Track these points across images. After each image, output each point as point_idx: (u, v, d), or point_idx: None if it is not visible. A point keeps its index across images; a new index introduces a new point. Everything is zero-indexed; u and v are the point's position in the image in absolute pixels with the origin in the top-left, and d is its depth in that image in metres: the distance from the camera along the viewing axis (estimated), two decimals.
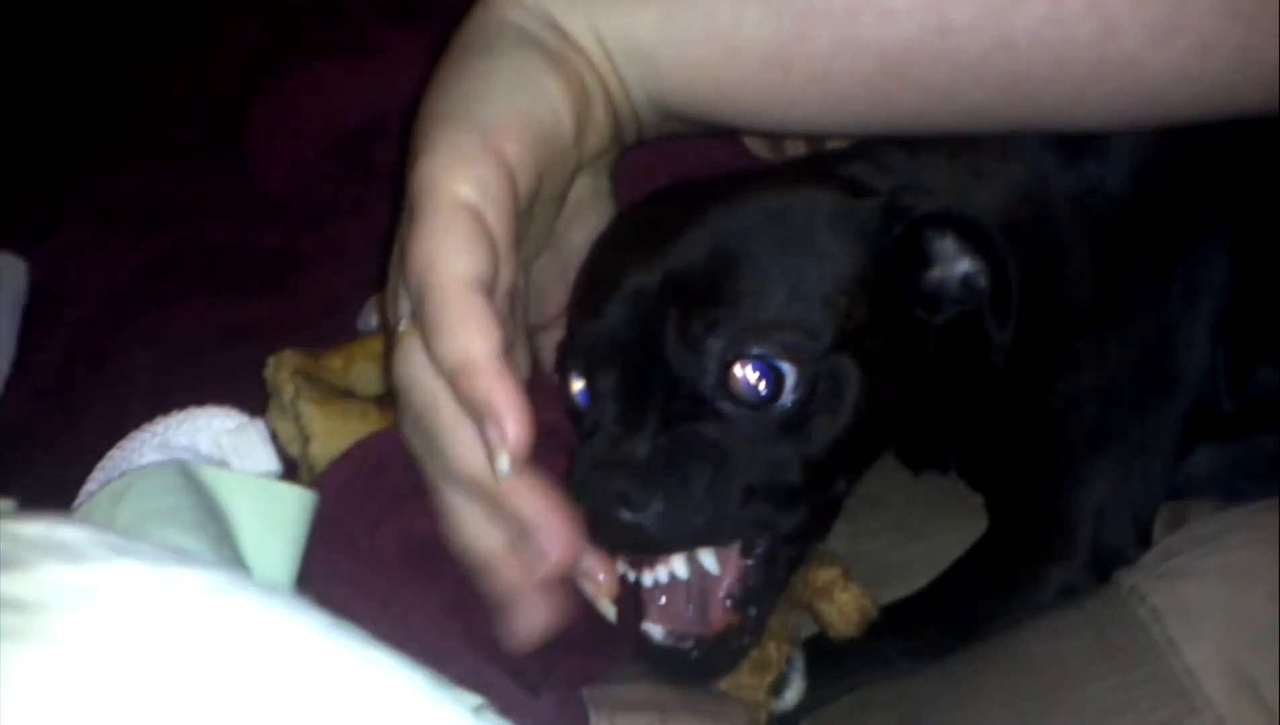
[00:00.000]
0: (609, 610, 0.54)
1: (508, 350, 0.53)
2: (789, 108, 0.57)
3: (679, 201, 0.61)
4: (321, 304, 0.74)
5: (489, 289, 0.49)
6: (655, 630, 0.58)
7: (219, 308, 0.71)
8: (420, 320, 0.50)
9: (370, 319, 0.71)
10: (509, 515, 0.50)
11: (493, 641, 0.55)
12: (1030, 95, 0.55)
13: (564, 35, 0.55)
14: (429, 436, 0.51)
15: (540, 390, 0.59)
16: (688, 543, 0.56)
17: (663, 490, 0.54)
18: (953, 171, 0.64)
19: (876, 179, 0.63)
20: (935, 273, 0.60)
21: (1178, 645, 0.53)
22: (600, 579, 0.52)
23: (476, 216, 0.49)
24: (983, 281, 0.60)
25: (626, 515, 0.53)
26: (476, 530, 0.51)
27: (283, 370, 0.62)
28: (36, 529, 0.28)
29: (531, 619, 0.50)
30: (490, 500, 0.50)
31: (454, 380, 0.48)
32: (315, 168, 0.77)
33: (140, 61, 0.85)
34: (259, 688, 0.25)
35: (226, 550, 0.50)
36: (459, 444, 0.50)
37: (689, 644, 0.58)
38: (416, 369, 0.50)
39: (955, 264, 0.60)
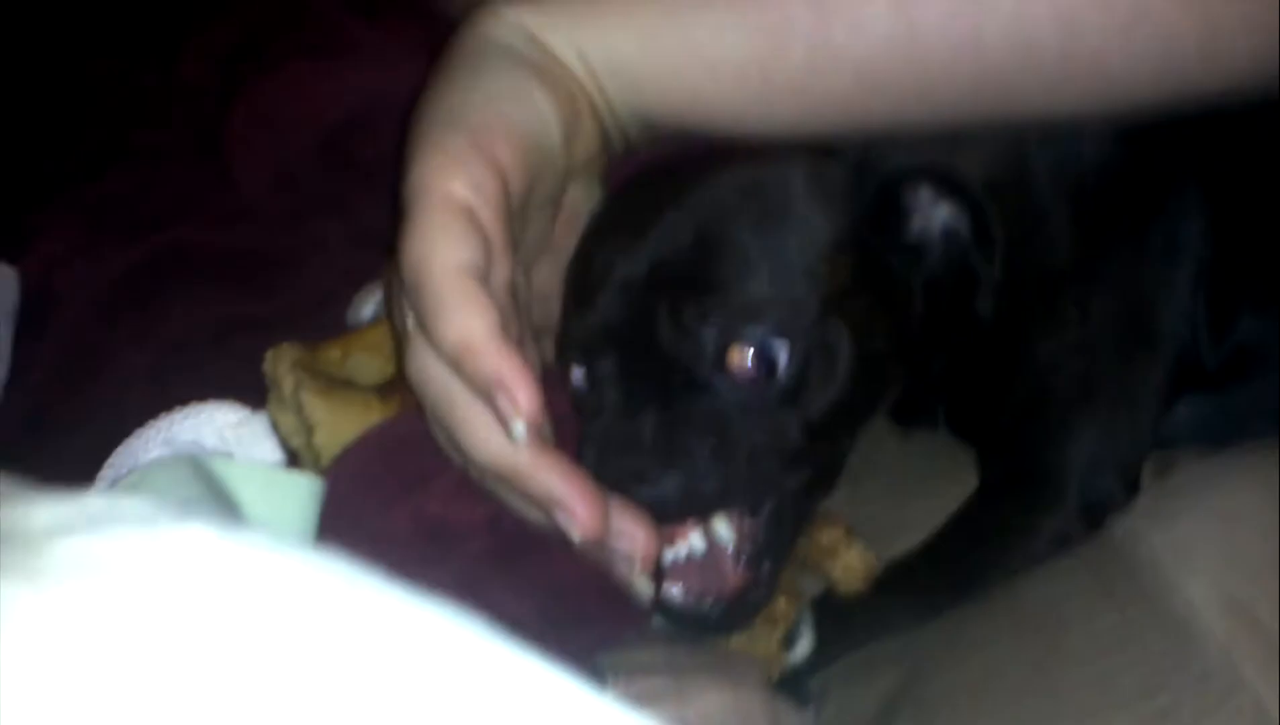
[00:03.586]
0: (644, 587, 0.55)
1: (514, 338, 0.54)
2: (768, 118, 0.59)
3: (657, 185, 0.62)
4: (310, 300, 0.74)
5: (484, 278, 0.51)
6: (675, 592, 0.59)
7: (210, 307, 0.71)
8: (418, 314, 0.51)
9: (360, 312, 0.71)
10: (534, 496, 0.51)
11: (506, 616, 0.55)
12: (999, 94, 0.57)
13: (548, 52, 0.57)
14: (447, 430, 0.53)
15: (550, 384, 0.60)
16: (703, 509, 0.58)
17: (672, 464, 0.55)
18: (932, 137, 0.65)
19: (852, 144, 0.64)
20: (915, 224, 0.62)
21: (1175, 582, 0.54)
22: (638, 556, 0.53)
23: (469, 213, 0.51)
24: (962, 227, 0.61)
25: (643, 491, 0.55)
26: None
27: (282, 363, 0.63)
28: (99, 502, 0.29)
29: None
30: (514, 482, 0.51)
31: (458, 364, 0.50)
32: (295, 166, 0.77)
33: (114, 67, 0.85)
34: (330, 642, 0.26)
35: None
36: (474, 432, 0.51)
37: (708, 603, 0.59)
38: (426, 365, 0.52)
39: (934, 212, 0.62)
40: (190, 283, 0.72)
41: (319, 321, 0.72)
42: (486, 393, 0.49)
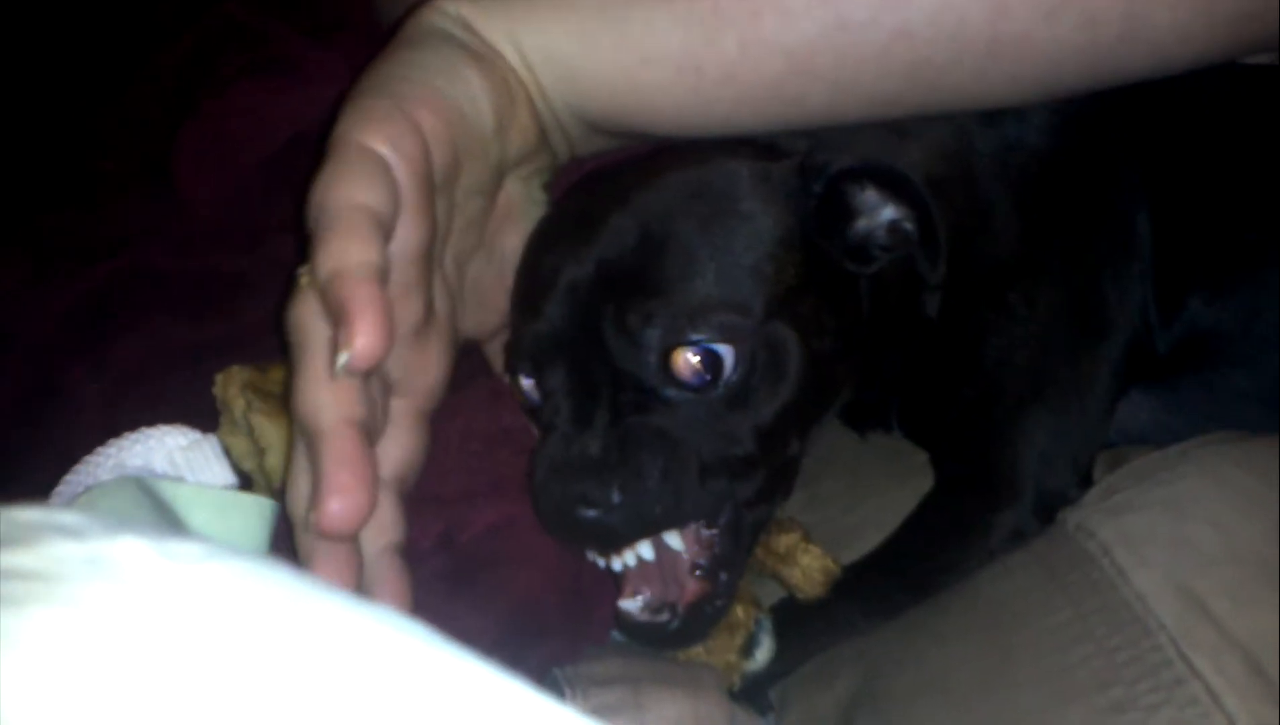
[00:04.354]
0: None
1: (417, 328, 0.53)
2: (705, 111, 0.59)
3: (603, 188, 0.62)
4: (264, 321, 0.73)
5: (381, 225, 0.49)
6: (631, 605, 0.59)
7: (163, 333, 0.71)
8: (311, 250, 0.50)
9: None
10: (314, 464, 0.47)
11: (464, 633, 0.55)
12: (932, 80, 0.58)
13: (485, 42, 0.58)
14: (294, 370, 0.50)
15: (498, 394, 0.60)
16: (650, 530, 0.58)
17: (619, 484, 0.56)
18: (875, 132, 0.66)
19: (798, 143, 0.65)
20: (861, 224, 0.62)
21: (1126, 574, 0.54)
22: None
23: (381, 164, 0.51)
24: (908, 225, 0.62)
25: (589, 513, 0.55)
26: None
27: (232, 386, 0.63)
28: (34, 513, 0.28)
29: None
30: (309, 443, 0.48)
31: (324, 293, 0.47)
32: (246, 187, 0.77)
33: (60, 95, 0.85)
34: (275, 652, 0.25)
35: None
36: (306, 377, 0.48)
37: (664, 616, 0.59)
38: (300, 308, 0.50)
39: (879, 212, 0.62)
40: (144, 308, 0.72)
41: (272, 343, 0.72)
42: (335, 321, 0.46)
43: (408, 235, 0.51)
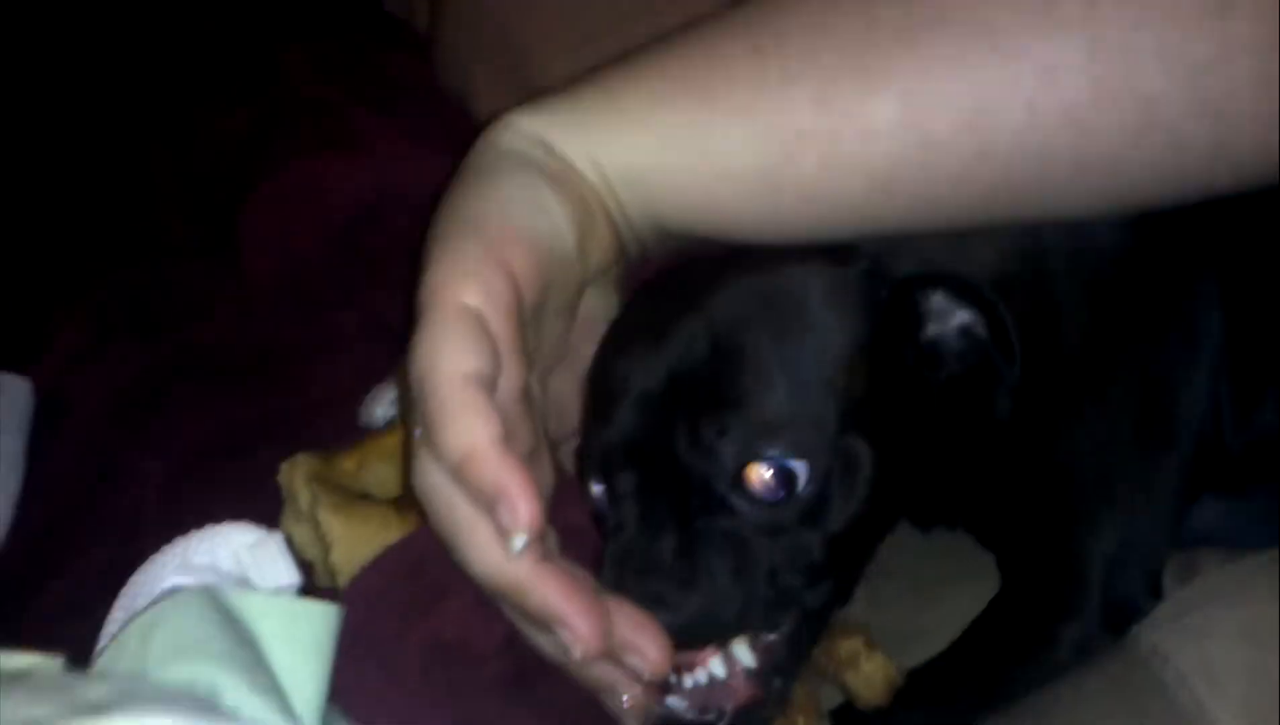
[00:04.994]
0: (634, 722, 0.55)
1: (527, 453, 0.54)
2: (782, 225, 0.59)
3: (673, 292, 0.62)
4: (322, 397, 0.74)
5: (490, 387, 0.50)
6: (679, 704, 0.59)
7: (223, 409, 0.71)
8: (423, 422, 0.51)
9: (372, 412, 0.71)
10: (533, 612, 0.50)
11: None
12: (1012, 199, 0.57)
13: (563, 160, 0.57)
14: (450, 543, 0.52)
15: (566, 494, 0.60)
16: (722, 634, 0.57)
17: (693, 588, 0.55)
18: (946, 231, 0.65)
19: (868, 246, 0.64)
20: (931, 329, 0.61)
21: (1204, 706, 0.53)
22: (648, 673, 0.53)
23: (478, 320, 0.51)
24: (980, 329, 0.61)
25: (664, 616, 0.54)
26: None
27: (297, 476, 0.63)
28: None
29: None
30: (513, 598, 0.51)
31: (460, 474, 0.49)
32: (306, 260, 0.77)
33: (126, 154, 0.85)
34: None
35: (261, 676, 0.50)
36: (475, 545, 0.51)
37: (711, 716, 0.58)
38: (430, 474, 0.51)
39: (950, 317, 0.61)
40: (203, 384, 0.72)
41: (333, 420, 0.72)
42: (488, 503, 0.49)
43: (509, 380, 0.52)
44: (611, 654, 0.52)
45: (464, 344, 0.50)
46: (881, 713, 0.63)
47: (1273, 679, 0.53)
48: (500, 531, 0.49)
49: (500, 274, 0.52)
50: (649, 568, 0.56)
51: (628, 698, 0.54)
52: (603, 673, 0.54)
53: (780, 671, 0.59)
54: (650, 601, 0.55)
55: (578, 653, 0.49)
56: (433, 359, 0.50)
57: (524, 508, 0.48)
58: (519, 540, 0.48)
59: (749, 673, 0.59)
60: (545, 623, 0.50)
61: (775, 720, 0.61)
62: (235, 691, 0.48)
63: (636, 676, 0.53)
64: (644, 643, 0.52)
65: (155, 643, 0.50)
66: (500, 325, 0.52)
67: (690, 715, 0.59)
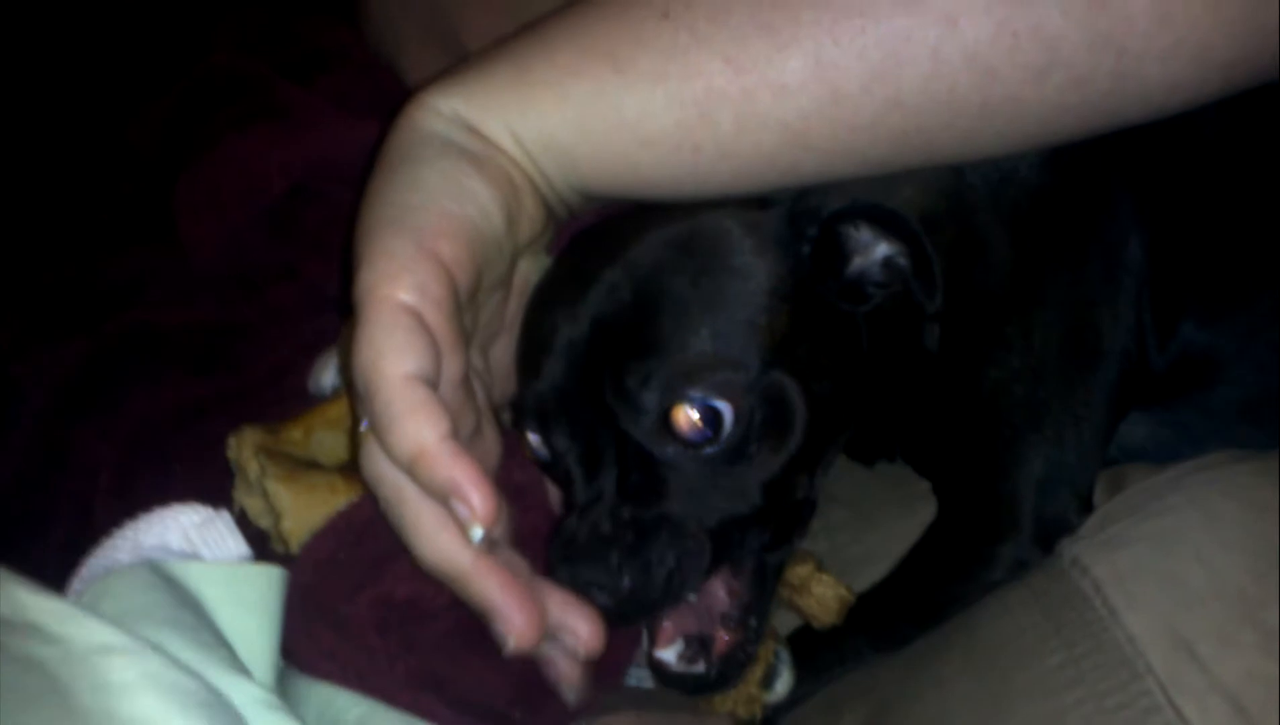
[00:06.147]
0: (570, 692, 0.57)
1: (472, 434, 0.56)
2: (702, 183, 0.60)
3: (595, 245, 0.63)
4: (270, 370, 0.75)
5: (433, 382, 0.52)
6: (667, 656, 0.62)
7: (170, 388, 0.72)
8: (370, 420, 0.52)
9: (320, 380, 0.72)
10: (473, 601, 0.53)
11: (472, 698, 0.57)
12: (924, 143, 0.58)
13: (484, 138, 0.58)
14: (398, 527, 0.54)
15: (509, 452, 0.61)
16: (663, 605, 0.59)
17: (629, 572, 0.57)
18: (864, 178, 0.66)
19: (783, 192, 0.65)
20: (856, 263, 0.63)
21: (1118, 614, 0.56)
22: (581, 653, 0.55)
23: (415, 317, 0.52)
24: (902, 260, 0.62)
25: (600, 598, 0.56)
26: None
27: (245, 448, 0.64)
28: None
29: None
30: (455, 586, 0.53)
31: (413, 471, 0.51)
32: (245, 236, 0.78)
33: (54, 145, 0.85)
34: None
35: (205, 635, 0.52)
36: (424, 533, 0.53)
37: (700, 666, 0.61)
38: (380, 465, 0.53)
39: (873, 250, 0.63)
40: (149, 365, 0.73)
41: (280, 392, 0.73)
42: (441, 498, 0.51)
43: (449, 368, 0.53)
44: (548, 632, 0.54)
45: (404, 344, 0.51)
46: (832, 634, 0.66)
47: (1183, 584, 0.56)
48: (457, 523, 0.51)
49: (433, 268, 0.53)
50: (587, 552, 0.58)
51: (564, 670, 0.56)
52: (541, 649, 0.56)
53: (753, 611, 0.61)
54: (590, 587, 0.57)
55: (511, 644, 0.52)
56: (375, 361, 0.51)
57: (478, 502, 0.50)
58: (477, 532, 0.51)
59: (726, 619, 0.61)
60: (483, 612, 0.52)
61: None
62: (180, 653, 0.50)
63: (573, 652, 0.55)
64: (576, 622, 0.55)
65: (105, 609, 0.52)
66: (437, 319, 0.53)
67: (680, 667, 0.62)
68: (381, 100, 0.73)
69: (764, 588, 0.62)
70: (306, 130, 0.77)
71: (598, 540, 0.57)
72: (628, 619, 0.58)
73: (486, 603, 0.52)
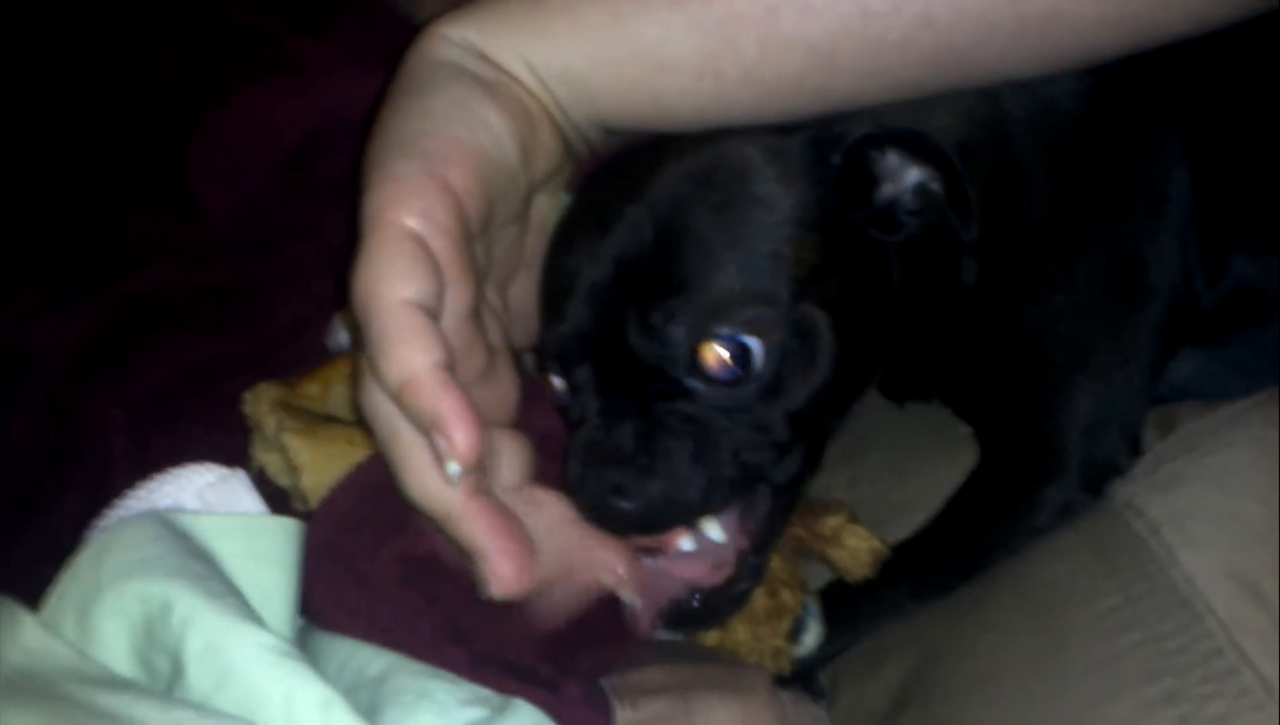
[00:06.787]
0: (632, 599, 0.56)
1: (484, 374, 0.54)
2: (726, 110, 0.57)
3: (616, 182, 0.61)
4: (287, 328, 0.73)
5: (432, 311, 0.50)
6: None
7: (184, 350, 0.71)
8: (365, 346, 0.50)
9: (339, 337, 0.70)
10: (461, 542, 0.51)
11: (499, 653, 0.56)
12: (956, 63, 0.56)
13: (497, 66, 0.56)
14: (391, 464, 0.52)
15: (531, 398, 0.60)
16: (686, 517, 0.57)
17: (653, 475, 0.55)
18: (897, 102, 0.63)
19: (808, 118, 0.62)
20: (886, 189, 0.60)
21: (1175, 555, 0.53)
22: (619, 572, 0.54)
23: (419, 243, 0.50)
24: (935, 186, 0.60)
25: (624, 505, 0.54)
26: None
27: (262, 404, 0.62)
28: None
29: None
30: (444, 525, 0.51)
31: (400, 399, 0.49)
32: (261, 193, 0.76)
33: (63, 108, 0.84)
34: None
35: (216, 585, 0.51)
36: (412, 469, 0.51)
37: (692, 598, 0.59)
38: (376, 398, 0.51)
39: (904, 176, 0.60)
40: (164, 327, 0.71)
41: (297, 351, 0.71)
42: (425, 429, 0.49)
43: (456, 299, 0.51)
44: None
45: (405, 268, 0.49)
46: (869, 585, 0.63)
47: (1243, 522, 0.53)
48: (436, 455, 0.49)
49: (441, 193, 0.51)
50: (608, 459, 0.56)
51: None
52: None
53: (755, 546, 0.59)
54: (614, 493, 0.55)
55: (494, 589, 0.50)
56: (373, 285, 0.49)
57: (460, 436, 0.47)
58: (453, 468, 0.48)
59: (722, 550, 0.59)
60: (470, 553, 0.51)
61: (757, 594, 0.61)
62: (188, 602, 0.48)
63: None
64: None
65: (107, 565, 0.51)
66: (443, 246, 0.51)
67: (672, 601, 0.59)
68: (396, 52, 0.71)
69: (770, 524, 0.60)
70: (320, 83, 0.75)
71: (618, 449, 0.56)
72: (653, 528, 0.56)
73: (474, 543, 0.50)
